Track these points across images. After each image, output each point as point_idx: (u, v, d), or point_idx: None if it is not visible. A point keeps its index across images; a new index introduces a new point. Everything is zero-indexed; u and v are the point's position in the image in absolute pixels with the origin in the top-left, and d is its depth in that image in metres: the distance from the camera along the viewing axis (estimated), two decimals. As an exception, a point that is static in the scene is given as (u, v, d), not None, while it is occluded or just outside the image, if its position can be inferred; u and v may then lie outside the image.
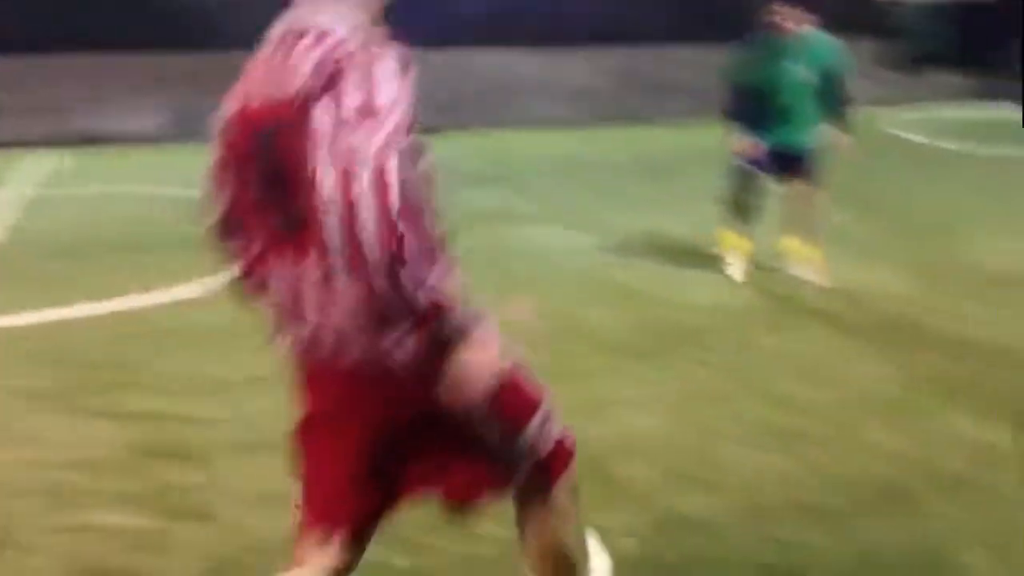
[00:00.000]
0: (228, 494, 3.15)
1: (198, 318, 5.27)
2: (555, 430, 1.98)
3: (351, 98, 1.64)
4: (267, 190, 1.77)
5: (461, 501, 1.95)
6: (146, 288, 5.83)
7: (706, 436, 3.53)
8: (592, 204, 8.97)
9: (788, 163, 5.70)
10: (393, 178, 1.59)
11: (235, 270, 1.92)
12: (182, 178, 11.68)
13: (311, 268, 1.66)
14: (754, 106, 5.68)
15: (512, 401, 1.90)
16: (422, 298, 1.66)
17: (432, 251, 1.71)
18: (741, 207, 5.95)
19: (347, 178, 1.58)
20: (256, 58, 1.82)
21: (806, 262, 5.78)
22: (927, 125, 14.56)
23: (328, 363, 1.75)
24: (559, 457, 2.00)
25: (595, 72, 17.98)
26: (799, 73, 5.58)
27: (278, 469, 3.30)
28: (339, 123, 1.62)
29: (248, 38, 2.01)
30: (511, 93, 18.09)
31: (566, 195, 9.52)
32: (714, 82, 6.28)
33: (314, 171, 1.60)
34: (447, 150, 12.31)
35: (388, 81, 1.67)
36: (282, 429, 3.66)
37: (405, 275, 1.62)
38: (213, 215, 1.91)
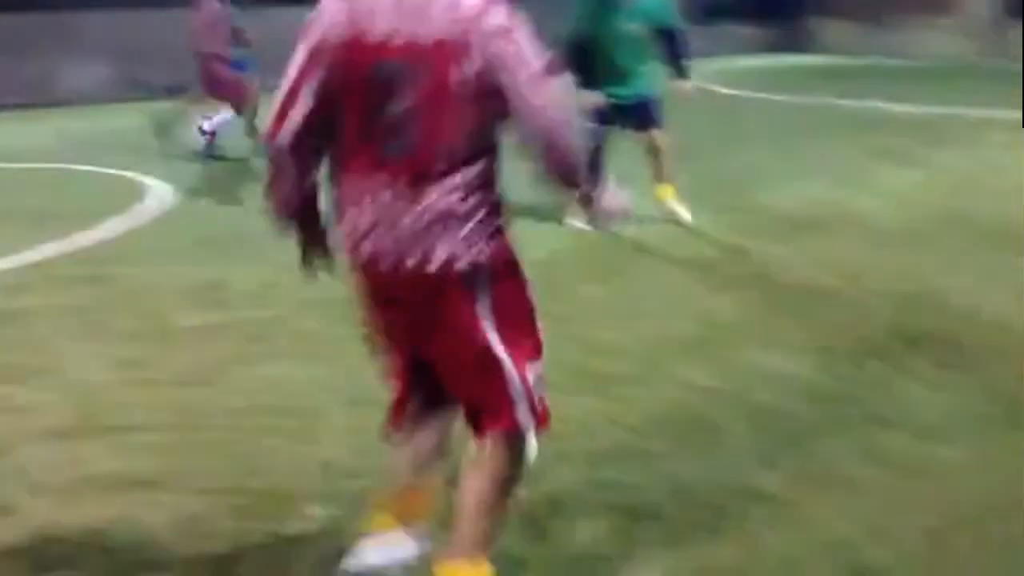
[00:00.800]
0: (30, 484, 2.94)
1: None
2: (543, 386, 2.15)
3: (523, 53, 1.97)
4: (374, 117, 1.99)
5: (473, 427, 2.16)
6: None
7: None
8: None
9: (629, 115, 5.90)
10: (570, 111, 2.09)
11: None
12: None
13: (417, 186, 1.98)
14: (589, 62, 5.78)
15: (529, 341, 2.12)
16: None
17: None
18: (591, 165, 6.07)
19: (552, 114, 1.99)
20: None
21: (677, 204, 6.02)
22: (724, 75, 15.25)
23: (399, 274, 2.03)
24: (544, 413, 2.15)
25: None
26: (630, 28, 5.77)
27: (82, 457, 3.12)
28: (524, 78, 1.96)
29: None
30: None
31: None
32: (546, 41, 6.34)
33: (507, 109, 1.97)
34: (259, 110, 11.62)
35: (532, 37, 2.00)
36: (84, 416, 3.47)
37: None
38: (290, 130, 2.03)
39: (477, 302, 2.04)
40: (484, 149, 2.02)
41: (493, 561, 2.43)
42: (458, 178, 1.99)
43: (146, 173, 8.55)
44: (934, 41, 19.50)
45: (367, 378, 3.67)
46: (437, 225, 1.99)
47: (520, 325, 2.11)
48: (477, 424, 2.14)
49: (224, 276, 5.23)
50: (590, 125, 5.93)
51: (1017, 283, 4.55)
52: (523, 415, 2.09)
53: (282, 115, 2.04)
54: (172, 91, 16.83)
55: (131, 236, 6.37)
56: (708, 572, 2.37)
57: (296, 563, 2.48)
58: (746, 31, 20.69)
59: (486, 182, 2.04)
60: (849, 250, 5.25)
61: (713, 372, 3.64)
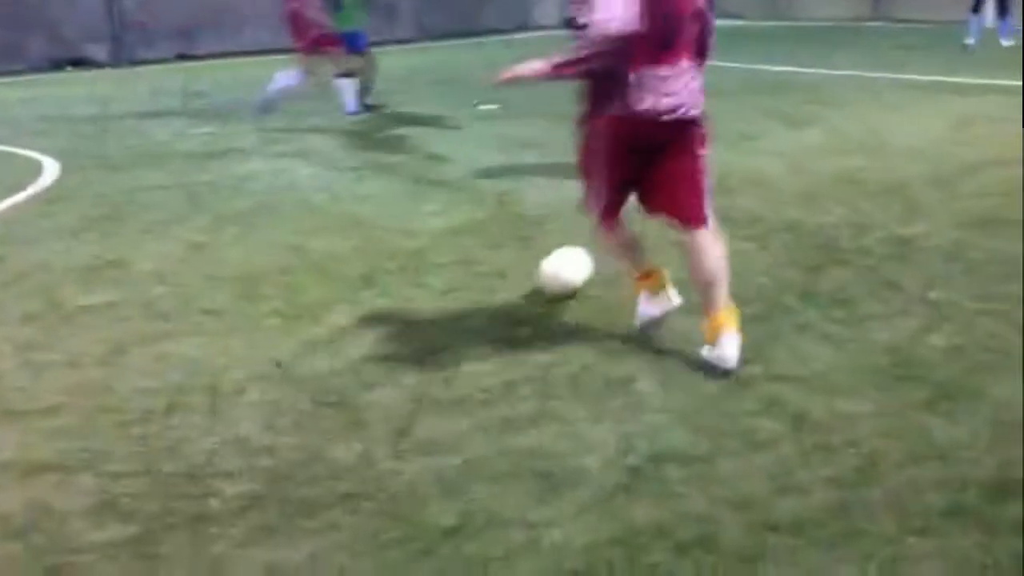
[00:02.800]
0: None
1: None
2: None
3: None
4: (657, 25, 3.21)
5: (678, 219, 3.47)
6: None
7: (442, 355, 3.59)
8: (307, 134, 8.73)
9: None
10: None
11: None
12: None
13: (682, 66, 3.31)
14: None
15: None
16: None
17: None
18: None
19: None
20: None
21: None
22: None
23: (668, 120, 3.31)
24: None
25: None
26: None
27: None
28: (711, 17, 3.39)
29: None
30: (222, 18, 17.05)
31: (279, 126, 9.19)
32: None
33: (701, 19, 3.35)
34: (142, 83, 11.37)
35: None
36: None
37: None
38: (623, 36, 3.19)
39: (698, 136, 3.39)
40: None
41: (415, 530, 2.47)
42: (700, 64, 3.38)
43: (34, 149, 8.21)
44: (824, 4, 20.03)
45: (278, 353, 3.64)
46: (692, 92, 3.33)
47: (707, 153, 3.44)
48: (686, 221, 3.42)
49: (122, 254, 5.07)
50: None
51: (909, 242, 4.74)
52: (710, 213, 3.43)
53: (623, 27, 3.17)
54: (55, 64, 16.16)
55: (20, 214, 6.12)
56: (628, 532, 2.43)
57: (219, 541, 2.45)
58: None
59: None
60: (751, 211, 5.39)
61: (623, 335, 3.70)
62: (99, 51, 16.55)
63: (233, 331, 3.93)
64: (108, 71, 15.67)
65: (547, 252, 4.82)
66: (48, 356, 3.72)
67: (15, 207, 6.30)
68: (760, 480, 2.64)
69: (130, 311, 4.20)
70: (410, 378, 3.40)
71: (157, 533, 2.49)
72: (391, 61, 10.75)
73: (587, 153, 3.48)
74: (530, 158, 7.15)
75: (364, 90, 9.70)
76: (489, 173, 6.69)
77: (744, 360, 3.38)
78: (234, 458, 2.88)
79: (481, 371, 3.45)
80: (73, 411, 3.22)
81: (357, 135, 8.59)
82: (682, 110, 3.31)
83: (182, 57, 16.55)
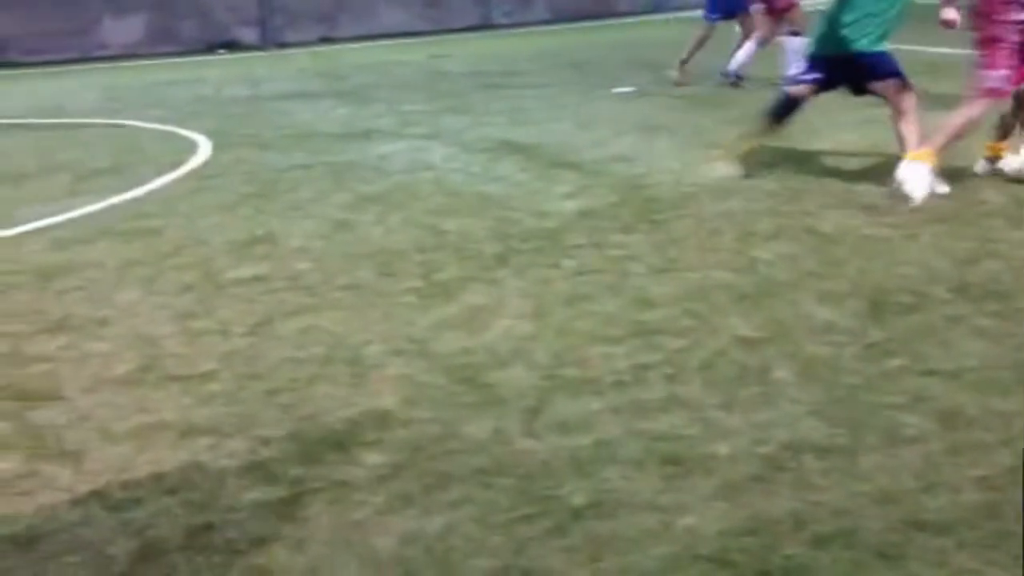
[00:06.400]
0: (99, 431, 3.04)
1: (37, 253, 5.00)
2: None
3: None
4: None
5: None
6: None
7: (576, 337, 3.61)
8: (442, 115, 8.87)
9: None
10: None
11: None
12: None
13: None
14: None
15: None
16: None
17: None
18: (774, 130, 5.96)
19: None
20: None
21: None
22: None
23: None
24: None
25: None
26: None
27: (148, 405, 3.21)
28: None
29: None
30: (362, 2, 17.51)
31: (416, 107, 9.36)
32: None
33: None
34: (287, 65, 11.77)
35: None
36: (147, 365, 3.55)
37: None
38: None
39: None
40: None
41: (547, 507, 2.49)
42: None
43: (189, 128, 8.63)
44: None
45: (417, 330, 3.74)
46: None
47: None
48: None
49: (271, 229, 5.29)
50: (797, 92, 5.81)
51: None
52: None
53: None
54: (208, 46, 16.91)
55: (178, 190, 6.45)
56: (763, 522, 2.39)
57: (361, 507, 2.55)
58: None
59: None
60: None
61: (759, 323, 3.63)
62: (249, 34, 17.24)
63: (372, 307, 4.05)
64: (257, 53, 16.30)
65: (680, 237, 4.79)
66: (203, 324, 3.93)
67: (173, 183, 6.64)
68: (905, 476, 2.55)
69: (277, 284, 4.38)
70: (542, 358, 3.43)
71: (303, 496, 2.61)
72: (525, 43, 10.79)
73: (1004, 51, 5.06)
74: (663, 142, 7.06)
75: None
76: (622, 156, 6.64)
77: (890, 352, 3.27)
78: (374, 429, 2.97)
79: (612, 353, 3.44)
80: (225, 378, 3.40)
81: (490, 117, 8.66)
82: None
83: (325, 40, 17.05)
